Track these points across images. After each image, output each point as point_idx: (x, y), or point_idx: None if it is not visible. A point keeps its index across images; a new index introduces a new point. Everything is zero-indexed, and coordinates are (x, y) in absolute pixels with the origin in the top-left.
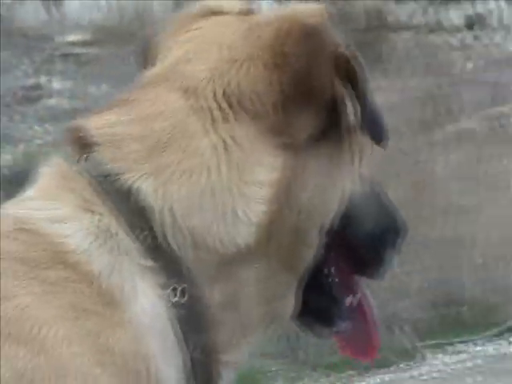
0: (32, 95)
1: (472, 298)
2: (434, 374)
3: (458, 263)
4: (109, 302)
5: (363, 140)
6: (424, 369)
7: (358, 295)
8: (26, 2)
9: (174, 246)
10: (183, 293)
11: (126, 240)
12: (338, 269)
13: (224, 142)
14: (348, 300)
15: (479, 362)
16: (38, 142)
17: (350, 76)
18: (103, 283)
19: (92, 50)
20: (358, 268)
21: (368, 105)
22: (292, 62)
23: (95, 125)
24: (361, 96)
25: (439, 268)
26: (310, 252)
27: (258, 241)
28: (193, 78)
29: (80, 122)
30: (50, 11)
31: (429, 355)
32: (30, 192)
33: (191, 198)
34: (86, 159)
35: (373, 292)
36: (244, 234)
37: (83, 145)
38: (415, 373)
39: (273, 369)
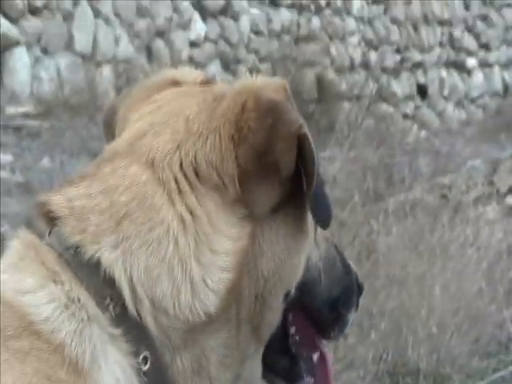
0: None
1: (424, 368)
2: None
3: (408, 333)
4: (73, 369)
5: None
6: None
7: (318, 353)
8: None
9: (136, 315)
10: (145, 360)
11: (92, 309)
12: (299, 329)
13: (186, 213)
14: (309, 358)
15: None
16: None
17: (305, 155)
18: (67, 351)
19: (34, 123)
20: (317, 329)
21: (316, 187)
22: (249, 136)
23: (56, 199)
24: (310, 177)
25: (394, 338)
26: (276, 317)
27: (221, 308)
28: (156, 150)
29: (44, 197)
30: (1, 84)
31: None
32: (3, 258)
33: (151, 269)
34: (50, 233)
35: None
36: (206, 302)
37: (48, 218)
38: None
39: None
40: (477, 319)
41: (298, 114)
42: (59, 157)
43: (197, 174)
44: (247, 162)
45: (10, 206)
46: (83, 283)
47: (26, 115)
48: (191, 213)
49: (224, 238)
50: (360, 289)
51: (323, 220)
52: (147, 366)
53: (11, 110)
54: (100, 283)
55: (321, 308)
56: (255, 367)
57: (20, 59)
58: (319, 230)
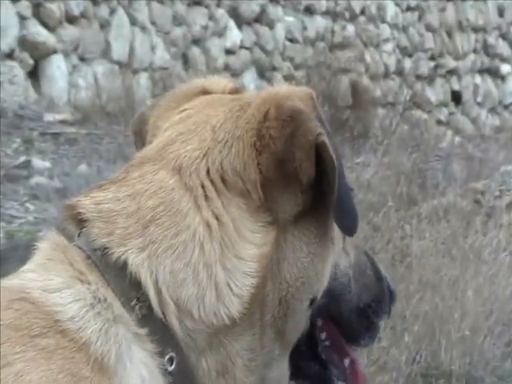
0: (15, 174)
1: (457, 370)
2: None
3: (441, 336)
4: (99, 368)
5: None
6: None
7: (349, 359)
8: (15, 82)
9: (162, 316)
10: (171, 361)
11: (118, 309)
12: (329, 335)
13: (212, 218)
14: (340, 364)
15: None
16: (20, 221)
17: (325, 164)
18: (92, 349)
19: (72, 130)
20: (346, 337)
21: (339, 194)
22: (270, 144)
23: (85, 202)
24: (331, 185)
25: (427, 340)
26: (301, 323)
27: (244, 313)
28: (184, 157)
29: (74, 200)
30: (38, 90)
31: None
32: (28, 264)
33: (177, 272)
34: (79, 234)
35: (362, 365)
36: (230, 306)
37: (77, 221)
38: None
39: None
40: (509, 322)
41: (317, 123)
42: (96, 163)
43: (223, 180)
44: (268, 170)
45: (48, 211)
46: (110, 284)
47: (63, 122)
48: (217, 218)
49: (248, 244)
50: (392, 296)
51: (347, 228)
52: (173, 366)
53: (49, 117)
54: (126, 285)
55: (350, 316)
56: (282, 372)
57: (58, 67)
58: (349, 239)
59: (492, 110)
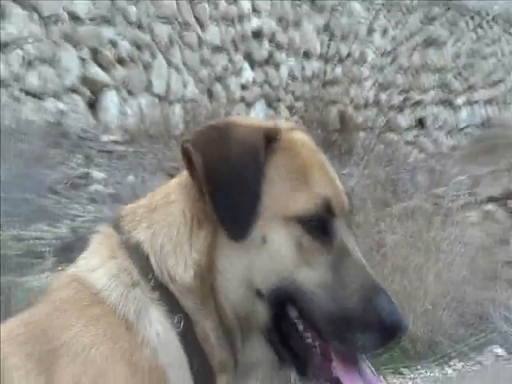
0: (78, 182)
1: (420, 335)
2: None
3: (409, 310)
4: (128, 327)
5: (290, 237)
6: None
7: (332, 365)
8: (78, 111)
9: (165, 282)
10: (180, 321)
11: (136, 277)
12: (315, 337)
13: (189, 213)
14: (311, 354)
15: (421, 382)
16: (82, 219)
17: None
18: (118, 312)
19: (122, 148)
20: (318, 334)
21: (213, 202)
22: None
23: (128, 206)
24: (206, 191)
25: None
26: (251, 308)
27: (198, 282)
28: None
29: (123, 206)
30: (95, 117)
31: (389, 377)
32: (84, 253)
33: (164, 246)
34: (118, 227)
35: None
36: (190, 274)
37: (120, 218)
38: None
39: None
40: (462, 299)
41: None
42: (141, 174)
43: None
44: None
45: (103, 212)
46: (132, 259)
47: (115, 142)
48: (193, 215)
49: (199, 240)
50: (386, 328)
51: (228, 231)
52: (181, 326)
53: (104, 138)
54: (140, 258)
55: (316, 319)
56: (252, 353)
57: (111, 99)
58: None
59: (449, 133)
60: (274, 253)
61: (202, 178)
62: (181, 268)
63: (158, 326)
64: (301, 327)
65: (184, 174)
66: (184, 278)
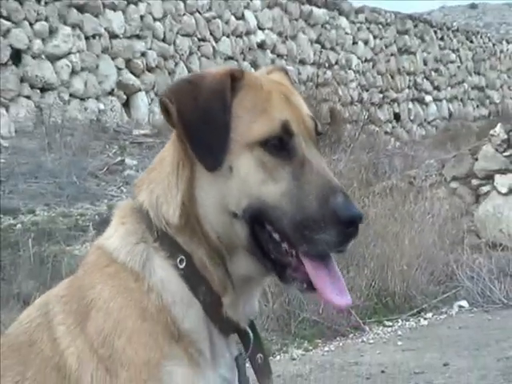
0: (114, 168)
1: (398, 291)
2: (376, 340)
3: (388, 270)
4: (136, 278)
5: (253, 163)
6: (369, 336)
7: (294, 256)
8: (114, 110)
9: (166, 231)
10: (182, 261)
11: (142, 234)
12: (274, 241)
13: (175, 161)
14: (288, 261)
15: (401, 332)
16: (117, 199)
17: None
18: (127, 266)
19: (150, 140)
20: (289, 244)
21: (186, 138)
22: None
23: (140, 176)
24: (183, 134)
25: (379, 272)
26: (231, 228)
27: (184, 219)
28: None
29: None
30: (128, 114)
31: (373, 327)
32: (112, 226)
33: (159, 198)
34: (132, 196)
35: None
36: (177, 214)
37: (133, 187)
38: (364, 339)
39: (272, 338)
40: (432, 260)
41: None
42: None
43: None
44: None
45: None
46: (139, 220)
47: (145, 135)
48: (176, 160)
49: (183, 181)
50: (341, 219)
51: (203, 163)
52: (183, 264)
53: (136, 131)
54: (144, 216)
55: (284, 228)
56: (243, 266)
57: (141, 100)
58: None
59: (420, 125)
60: (240, 176)
61: (178, 123)
62: (170, 210)
63: (160, 272)
64: (277, 237)
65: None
66: (174, 218)
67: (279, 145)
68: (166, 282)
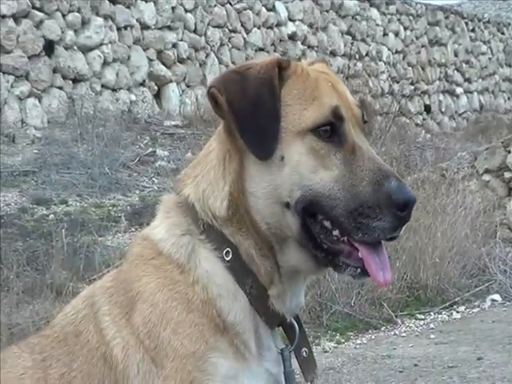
0: (146, 159)
1: (430, 284)
2: (408, 333)
3: (420, 262)
4: (181, 270)
5: (304, 151)
6: (401, 329)
7: (347, 246)
8: (146, 101)
9: (212, 224)
10: (228, 253)
11: (188, 226)
12: (325, 231)
13: (221, 154)
14: (340, 250)
15: (433, 325)
16: (149, 190)
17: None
18: (173, 258)
19: (181, 131)
20: (342, 233)
21: (238, 129)
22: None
23: (183, 171)
24: (233, 125)
25: (411, 265)
26: (285, 220)
27: (232, 210)
28: None
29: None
30: (160, 105)
31: (404, 321)
32: (158, 219)
33: (206, 191)
34: (175, 189)
35: (367, 281)
36: (225, 207)
37: (176, 183)
38: (396, 332)
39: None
40: (464, 253)
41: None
42: (197, 152)
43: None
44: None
45: (166, 183)
46: (184, 213)
47: (176, 126)
48: (222, 152)
49: (231, 175)
50: (395, 203)
51: (255, 153)
52: (230, 256)
53: (167, 123)
54: (190, 209)
55: (338, 216)
56: (294, 258)
57: (173, 91)
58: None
59: (451, 117)
60: (292, 165)
61: (228, 113)
62: (218, 202)
63: (205, 264)
64: (328, 225)
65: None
66: (221, 210)
67: (329, 130)
68: (212, 274)
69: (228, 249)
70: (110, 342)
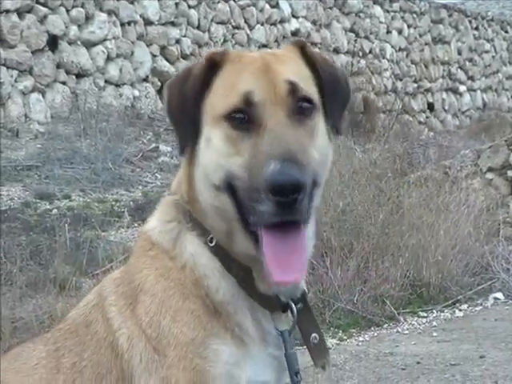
0: (149, 155)
1: (433, 282)
2: (411, 330)
3: (423, 260)
4: (172, 257)
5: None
6: (404, 327)
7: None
8: (149, 96)
9: (194, 214)
10: (212, 239)
11: (179, 219)
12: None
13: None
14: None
15: (436, 323)
16: (152, 185)
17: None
18: (166, 248)
19: None
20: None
21: (173, 128)
22: None
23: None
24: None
25: (414, 263)
26: (218, 198)
27: (190, 193)
28: None
29: None
30: (163, 101)
31: (406, 318)
32: (153, 213)
33: (180, 181)
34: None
35: (370, 278)
36: (185, 188)
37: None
38: (399, 329)
39: None
40: (467, 251)
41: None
42: None
43: None
44: None
45: (169, 179)
46: (173, 204)
47: None
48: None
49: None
50: (270, 185)
51: (178, 145)
52: (214, 242)
53: None
54: (176, 202)
55: (243, 200)
56: (240, 243)
57: None
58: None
59: (454, 115)
60: (214, 148)
61: (166, 112)
62: (183, 186)
63: (190, 248)
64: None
65: None
66: (184, 194)
67: (243, 117)
68: (197, 256)
69: (212, 235)
70: (116, 332)
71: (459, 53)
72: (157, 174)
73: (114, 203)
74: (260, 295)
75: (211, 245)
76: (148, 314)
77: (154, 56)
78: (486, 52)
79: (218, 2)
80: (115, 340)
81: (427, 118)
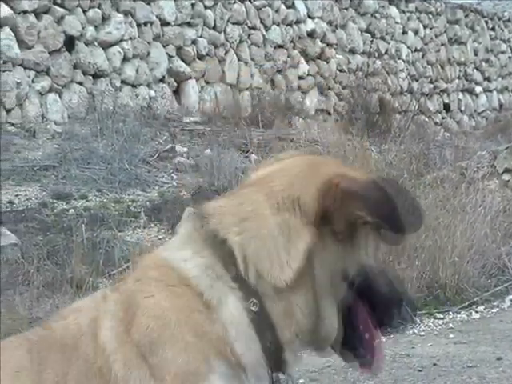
0: (165, 155)
1: (449, 283)
2: (427, 332)
3: (439, 261)
4: (207, 306)
5: (371, 238)
6: (420, 328)
7: (368, 334)
8: (165, 97)
9: (247, 277)
10: (254, 304)
11: (220, 271)
12: (364, 318)
13: (282, 223)
14: (368, 339)
15: (452, 324)
16: (168, 185)
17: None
18: (204, 296)
19: (200, 127)
20: (376, 319)
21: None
22: (326, 200)
23: (211, 204)
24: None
25: (430, 264)
26: (337, 291)
27: (295, 281)
28: (273, 186)
29: (206, 204)
30: (179, 101)
31: (424, 319)
32: (173, 239)
33: (257, 251)
34: (204, 224)
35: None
36: (286, 276)
37: (205, 215)
38: (415, 331)
39: None
40: (483, 253)
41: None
42: (216, 148)
43: (295, 204)
44: (324, 211)
45: (185, 179)
46: (216, 255)
47: (195, 122)
48: (286, 224)
49: (301, 242)
50: (403, 299)
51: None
52: (256, 308)
53: (186, 119)
54: (226, 255)
55: (377, 302)
56: (330, 330)
57: (192, 87)
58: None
59: (470, 116)
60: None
61: (375, 219)
62: (276, 270)
63: (232, 309)
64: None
65: (270, 189)
66: (279, 278)
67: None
68: (236, 319)
69: (255, 300)
70: (110, 357)
71: (475, 53)
72: (173, 175)
73: (130, 203)
74: (278, 362)
75: (254, 309)
76: (151, 341)
77: (170, 56)
78: (503, 53)
79: (234, 3)
80: (108, 364)
81: (443, 118)
